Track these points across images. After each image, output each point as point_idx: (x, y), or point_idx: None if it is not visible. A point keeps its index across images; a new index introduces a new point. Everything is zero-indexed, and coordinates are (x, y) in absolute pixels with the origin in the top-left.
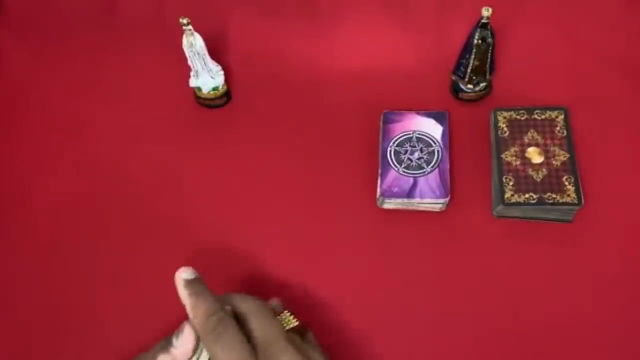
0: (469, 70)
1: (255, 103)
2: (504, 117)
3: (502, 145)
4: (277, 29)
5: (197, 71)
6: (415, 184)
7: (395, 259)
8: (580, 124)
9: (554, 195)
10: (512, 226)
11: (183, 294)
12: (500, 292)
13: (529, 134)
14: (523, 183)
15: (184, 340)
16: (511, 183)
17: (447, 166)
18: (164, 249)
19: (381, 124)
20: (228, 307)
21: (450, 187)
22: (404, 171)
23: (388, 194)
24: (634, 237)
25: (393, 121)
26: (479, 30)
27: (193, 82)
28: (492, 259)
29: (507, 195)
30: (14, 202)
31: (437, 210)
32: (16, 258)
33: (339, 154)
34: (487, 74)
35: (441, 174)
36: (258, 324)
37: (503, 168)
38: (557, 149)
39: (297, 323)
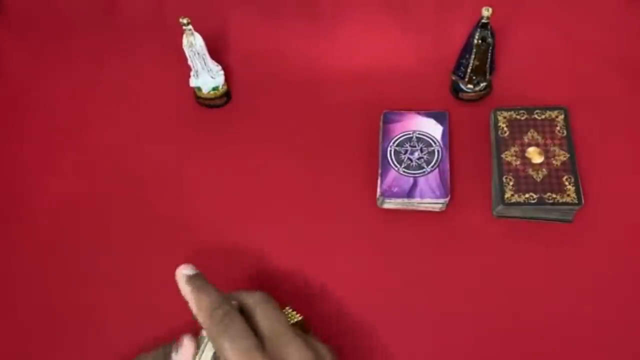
0: (469, 70)
1: (255, 103)
2: (504, 117)
3: (502, 145)
4: (277, 29)
5: (197, 71)
6: (415, 184)
7: (395, 259)
8: (580, 124)
9: (554, 195)
10: (512, 226)
11: (185, 289)
12: (500, 292)
13: (529, 134)
14: (523, 183)
15: (183, 354)
16: (511, 183)
17: (447, 166)
18: (164, 249)
19: (381, 124)
20: (234, 302)
21: (450, 187)
22: (404, 171)
23: (388, 194)
24: (634, 237)
25: (393, 121)
26: (479, 30)
27: (193, 82)
28: (492, 259)
29: (507, 195)
30: (14, 202)
31: (437, 210)
32: (16, 258)
33: (339, 154)
34: (487, 74)
35: (441, 174)
36: (264, 316)
37: (503, 168)
38: (557, 149)
39: (300, 318)
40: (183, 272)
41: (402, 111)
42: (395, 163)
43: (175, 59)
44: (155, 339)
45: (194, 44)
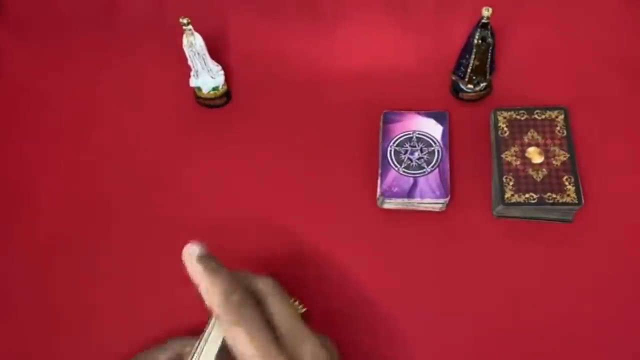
0: (469, 70)
1: (255, 103)
2: (504, 117)
3: (502, 145)
4: (277, 29)
5: (197, 71)
6: (415, 184)
7: (396, 259)
8: (580, 124)
9: (554, 195)
10: (512, 226)
11: (197, 269)
12: (500, 292)
13: (529, 134)
14: (523, 183)
15: None
16: (511, 183)
17: (447, 166)
18: (164, 248)
19: (381, 124)
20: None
21: (450, 187)
22: (404, 171)
23: (388, 194)
24: (634, 237)
25: (393, 121)
26: (479, 30)
27: (193, 82)
28: (492, 259)
29: (507, 195)
30: (15, 202)
31: (437, 210)
32: (16, 258)
33: (339, 154)
34: (487, 74)
35: (441, 174)
36: (278, 308)
37: (503, 168)
38: (557, 149)
39: (305, 310)
40: (192, 250)
41: (402, 111)
42: (396, 163)
43: (175, 59)
44: (155, 339)
45: (194, 44)
